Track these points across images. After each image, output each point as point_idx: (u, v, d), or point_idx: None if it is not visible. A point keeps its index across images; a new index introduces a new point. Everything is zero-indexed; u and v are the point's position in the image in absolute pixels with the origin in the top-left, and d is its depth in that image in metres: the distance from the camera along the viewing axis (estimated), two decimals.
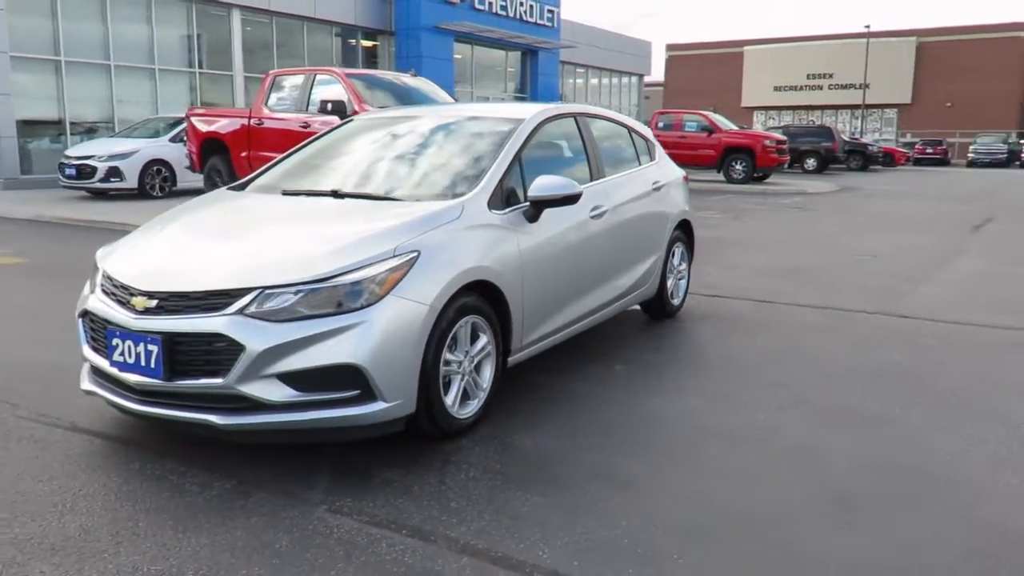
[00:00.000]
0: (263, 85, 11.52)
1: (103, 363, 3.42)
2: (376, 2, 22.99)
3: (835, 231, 12.03)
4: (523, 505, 3.05)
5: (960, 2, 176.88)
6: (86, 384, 3.60)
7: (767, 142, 21.19)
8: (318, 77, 10.75)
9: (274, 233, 3.70)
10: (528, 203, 4.10)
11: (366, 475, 3.31)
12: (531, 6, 26.89)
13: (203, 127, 12.10)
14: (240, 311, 3.15)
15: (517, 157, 4.22)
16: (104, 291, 3.51)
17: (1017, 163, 42.22)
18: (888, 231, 11.95)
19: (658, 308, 5.83)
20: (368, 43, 23.65)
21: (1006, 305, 6.69)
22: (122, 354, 3.29)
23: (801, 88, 61.46)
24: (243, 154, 11.42)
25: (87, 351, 3.57)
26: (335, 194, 4.12)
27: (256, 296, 3.16)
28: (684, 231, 6.10)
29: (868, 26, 48.86)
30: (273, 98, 11.21)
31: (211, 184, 12.19)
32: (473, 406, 3.72)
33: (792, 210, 15.32)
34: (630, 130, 5.72)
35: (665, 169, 5.96)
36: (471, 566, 2.63)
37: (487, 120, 4.63)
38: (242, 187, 4.64)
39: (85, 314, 3.58)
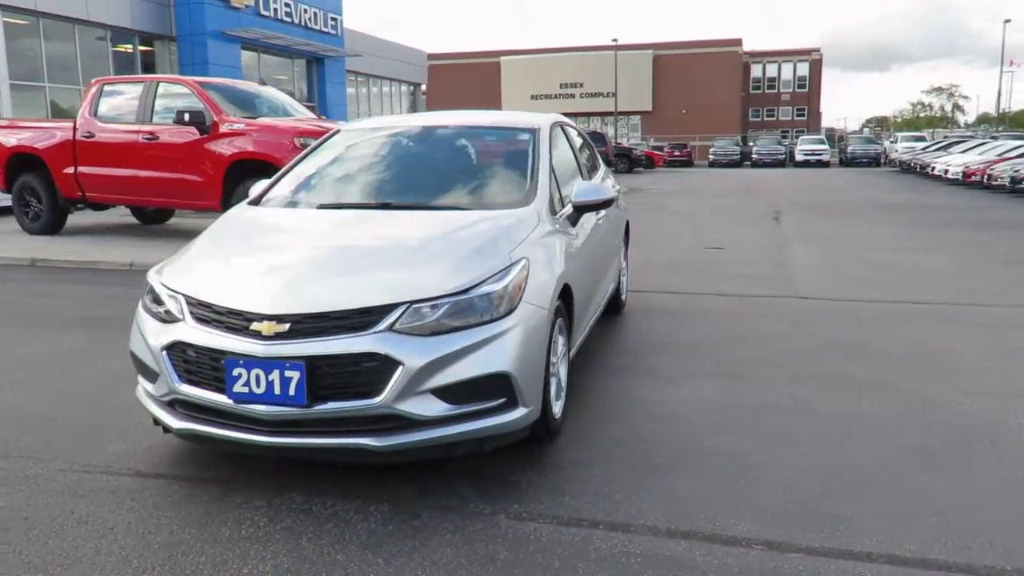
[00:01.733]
0: (88, 94, 10.41)
1: (215, 397, 3.13)
2: (154, 6, 21.34)
3: (666, 228, 13.10)
4: (673, 485, 3.24)
5: (688, 18, 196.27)
6: (179, 423, 3.26)
7: None
8: (162, 86, 9.93)
9: (374, 248, 3.57)
10: (572, 208, 4.28)
11: (506, 481, 3.34)
12: (315, 13, 26.28)
13: (9, 141, 10.70)
14: (390, 328, 3.05)
15: (550, 164, 4.37)
16: (201, 319, 3.21)
17: (747, 163, 47.72)
18: (708, 226, 13.23)
19: (614, 304, 6.18)
20: (145, 48, 21.89)
21: (867, 283, 7.81)
22: (246, 385, 3.05)
23: (556, 96, 65.15)
24: (68, 171, 10.26)
25: (184, 388, 3.22)
26: (387, 206, 4.04)
27: (404, 311, 3.08)
28: (626, 231, 6.53)
29: (615, 39, 52.87)
30: (103, 108, 10.18)
31: (23, 205, 10.84)
32: (560, 407, 3.84)
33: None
34: (585, 138, 6.02)
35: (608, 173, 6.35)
36: (698, 548, 2.80)
37: (498, 129, 4.73)
38: (256, 203, 4.36)
39: (173, 347, 3.24)
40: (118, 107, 10.12)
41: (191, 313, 3.24)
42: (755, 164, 46.84)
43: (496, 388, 3.18)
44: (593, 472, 3.41)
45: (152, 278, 3.57)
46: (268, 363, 3.01)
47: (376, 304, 3.09)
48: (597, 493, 3.21)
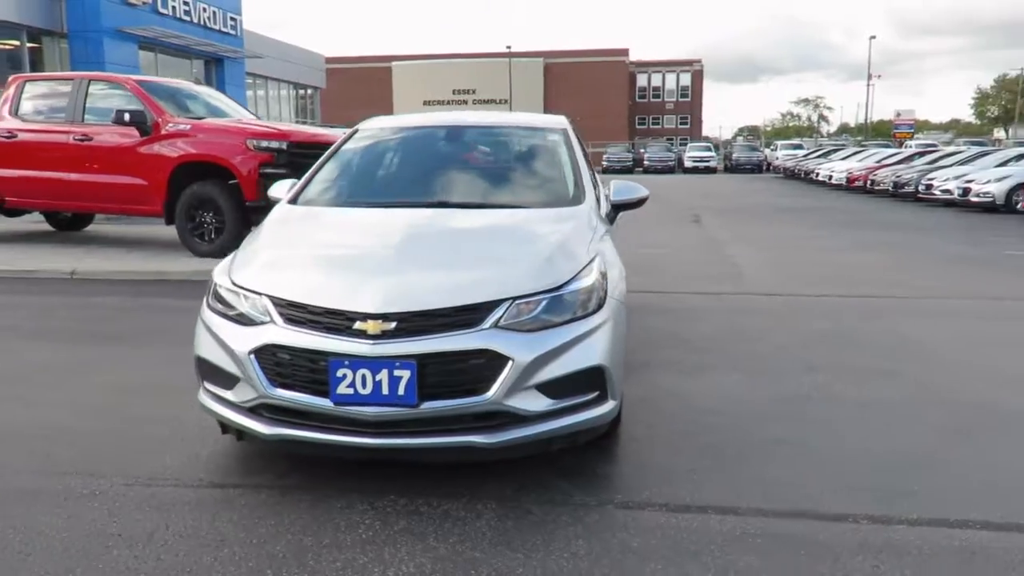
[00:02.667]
0: (7, 92, 9.72)
1: (313, 400, 3.05)
2: (44, 0, 20.04)
3: None
4: (756, 471, 3.39)
5: (577, 28, 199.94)
6: (271, 429, 3.14)
7: None
8: (95, 84, 9.39)
9: (457, 245, 3.57)
10: (611, 206, 4.38)
11: (593, 474, 3.41)
12: (214, 12, 25.30)
13: None
14: (495, 324, 3.06)
15: (588, 162, 4.47)
16: (294, 320, 3.11)
17: (639, 169, 49.21)
18: (636, 229, 13.56)
19: None
20: (33, 45, 20.52)
21: (818, 280, 8.28)
22: (351, 386, 2.98)
23: (449, 102, 65.13)
24: None
25: (277, 392, 3.11)
26: (444, 205, 4.03)
27: (508, 308, 3.10)
28: None
29: (509, 47, 53.54)
30: (26, 107, 9.54)
31: None
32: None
33: None
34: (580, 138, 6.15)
35: None
36: (811, 526, 2.95)
37: (526, 129, 4.81)
38: (294, 202, 4.24)
39: (263, 350, 3.12)
40: (43, 106, 9.51)
41: (282, 314, 3.14)
42: (646, 170, 48.36)
43: (592, 382, 3.24)
44: (673, 462, 3.52)
45: (221, 279, 3.43)
46: (376, 363, 2.97)
47: (482, 301, 3.09)
48: (688, 481, 3.32)
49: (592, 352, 3.21)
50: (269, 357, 3.11)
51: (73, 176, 9.20)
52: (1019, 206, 17.12)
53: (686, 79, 72.62)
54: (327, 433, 3.08)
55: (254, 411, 3.19)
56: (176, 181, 8.82)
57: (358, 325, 3.02)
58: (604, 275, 3.45)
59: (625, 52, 67.75)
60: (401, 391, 2.97)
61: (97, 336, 5.89)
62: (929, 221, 15.48)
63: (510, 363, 3.02)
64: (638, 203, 4.54)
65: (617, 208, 4.44)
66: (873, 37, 63.60)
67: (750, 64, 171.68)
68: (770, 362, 5.11)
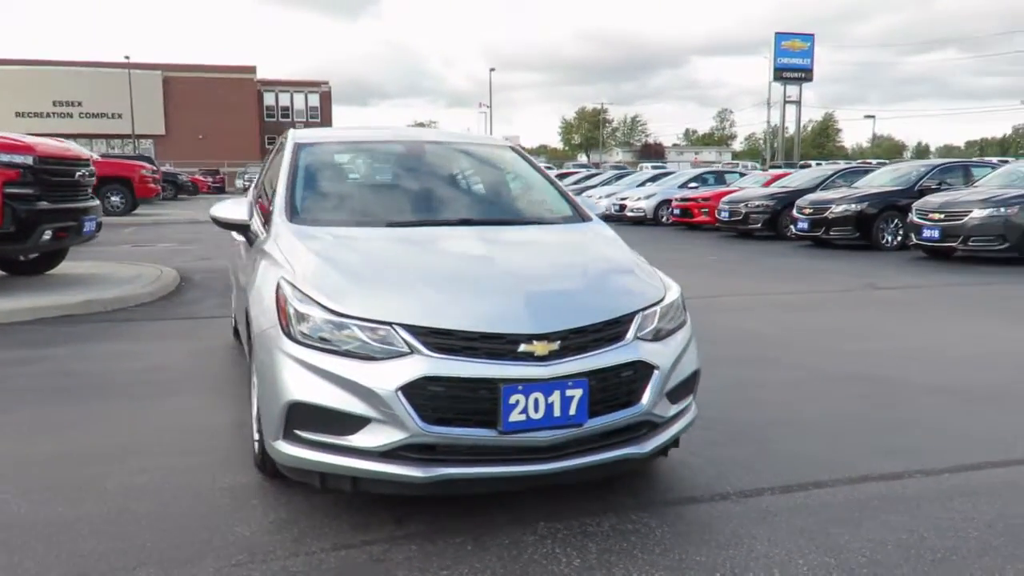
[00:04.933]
0: None
1: (477, 432, 2.82)
2: None
3: None
4: (804, 448, 3.85)
5: (200, 41, 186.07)
6: (430, 472, 2.81)
7: (144, 171, 20.39)
8: None
9: (544, 260, 3.53)
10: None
11: (671, 469, 3.57)
12: None
13: None
14: (635, 336, 3.13)
15: None
16: (443, 348, 2.83)
17: None
18: None
19: None
20: None
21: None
22: (523, 412, 2.83)
23: (49, 115, 57.42)
24: None
25: (434, 429, 2.79)
26: (467, 222, 3.89)
27: (639, 319, 3.18)
28: None
29: (128, 56, 48.88)
30: None
31: None
32: None
33: None
34: None
35: None
36: (888, 485, 3.45)
37: (479, 145, 4.82)
38: (293, 222, 3.75)
39: (412, 384, 2.79)
40: None
41: (427, 344, 2.85)
42: None
43: (692, 385, 3.44)
44: (737, 448, 3.81)
45: (313, 312, 2.97)
46: (549, 385, 2.86)
47: (623, 314, 3.13)
48: (771, 461, 3.65)
49: (694, 356, 3.41)
50: (419, 391, 2.81)
51: None
52: (664, 219, 20.24)
53: (315, 100, 72.48)
54: (496, 465, 2.88)
55: (392, 455, 2.85)
56: None
57: (523, 348, 2.88)
58: None
59: (252, 70, 65.71)
60: (572, 411, 2.90)
61: (52, 392, 4.51)
62: None
63: (656, 372, 3.11)
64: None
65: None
66: (493, 70, 69.85)
67: (360, 88, 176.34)
68: (763, 355, 5.64)
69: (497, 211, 4.22)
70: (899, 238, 13.71)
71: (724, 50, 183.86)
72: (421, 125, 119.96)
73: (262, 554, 2.81)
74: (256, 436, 3.53)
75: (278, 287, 3.19)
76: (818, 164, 31.70)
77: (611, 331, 3.07)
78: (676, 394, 3.27)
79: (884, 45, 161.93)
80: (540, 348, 2.89)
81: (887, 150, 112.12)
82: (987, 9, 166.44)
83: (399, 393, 2.79)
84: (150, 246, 13.35)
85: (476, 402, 2.82)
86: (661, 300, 3.32)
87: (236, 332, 6.06)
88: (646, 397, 3.08)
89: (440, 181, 4.44)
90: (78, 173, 8.02)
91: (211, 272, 10.02)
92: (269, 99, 70.82)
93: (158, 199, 22.99)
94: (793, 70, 51.11)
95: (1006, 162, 15.40)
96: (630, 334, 3.11)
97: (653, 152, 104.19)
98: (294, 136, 4.53)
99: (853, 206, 13.79)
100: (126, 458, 3.70)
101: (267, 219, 4.01)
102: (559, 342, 2.92)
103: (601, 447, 3.03)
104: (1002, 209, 11.21)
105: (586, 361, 2.95)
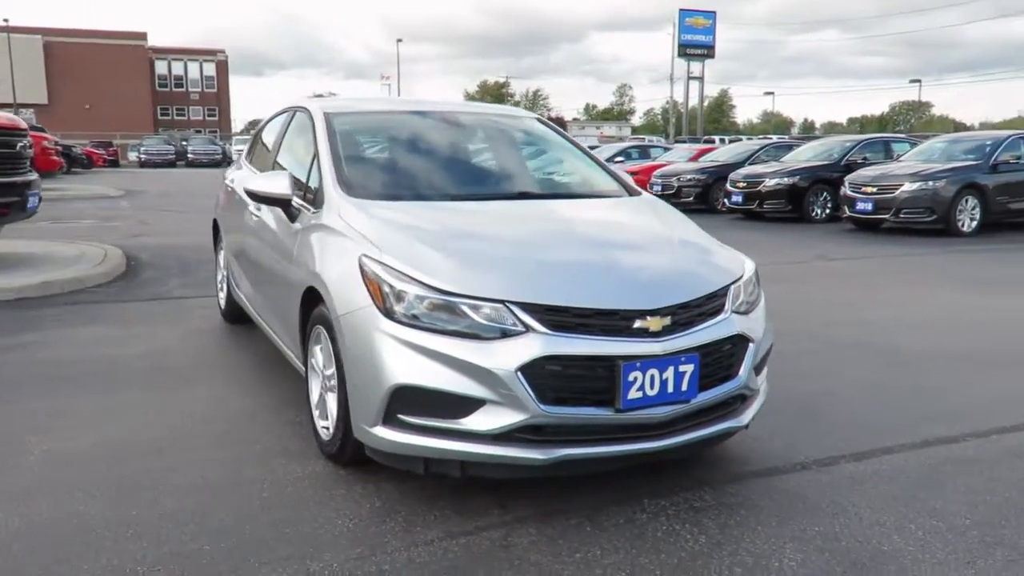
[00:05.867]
0: None
1: (593, 412, 2.76)
2: None
3: None
4: (847, 419, 3.95)
5: (86, 4, 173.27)
6: (551, 453, 2.73)
7: (46, 143, 19.10)
8: None
9: (628, 233, 3.47)
10: None
11: (736, 448, 3.62)
12: None
13: None
14: (732, 309, 3.14)
15: None
16: (560, 326, 2.75)
17: (182, 163, 46.07)
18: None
19: None
20: None
21: None
22: (640, 389, 2.79)
23: None
24: None
25: (554, 410, 2.72)
26: (526, 195, 3.80)
27: (732, 294, 3.18)
28: None
29: (7, 20, 45.46)
30: None
31: None
32: None
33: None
34: None
35: None
36: (946, 448, 3.60)
37: (505, 116, 4.71)
38: (350, 193, 3.56)
39: (532, 364, 2.70)
40: None
41: (544, 321, 2.77)
42: (190, 164, 45.60)
43: (767, 358, 3.48)
44: (792, 419, 3.87)
45: (414, 290, 2.82)
46: (664, 361, 2.83)
47: (720, 287, 3.14)
48: (831, 430, 3.73)
49: (771, 329, 3.44)
50: (538, 371, 2.73)
51: None
52: None
53: (210, 69, 69.53)
54: (611, 444, 2.84)
55: (506, 437, 2.77)
56: None
57: (638, 324, 2.84)
58: None
59: (143, 36, 62.38)
60: (684, 386, 2.89)
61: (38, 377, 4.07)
62: None
63: (751, 345, 3.13)
64: None
65: None
66: (400, 40, 67.85)
67: (253, 58, 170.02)
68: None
69: (550, 184, 4.15)
70: (827, 211, 14.29)
71: (621, 26, 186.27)
72: (319, 96, 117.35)
73: (379, 545, 2.68)
74: (324, 423, 3.37)
75: (362, 265, 3.03)
76: (721, 140, 32.70)
77: (712, 305, 3.07)
78: (760, 367, 3.30)
79: (772, 24, 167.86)
80: (654, 324, 2.85)
81: (776, 126, 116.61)
82: None
83: (519, 373, 2.70)
84: (71, 223, 12.52)
85: (593, 380, 2.77)
86: (743, 274, 3.34)
87: (226, 314, 5.78)
88: (743, 370, 3.10)
89: (485, 153, 4.33)
90: (19, 144, 7.42)
91: (150, 249, 9.51)
92: (161, 68, 67.58)
93: (61, 172, 21.55)
94: (696, 47, 52.19)
95: (926, 137, 16.18)
96: (728, 307, 3.11)
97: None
98: (320, 106, 4.29)
99: (786, 180, 14.26)
100: (174, 451, 3.47)
101: (308, 193, 3.81)
102: (669, 317, 2.90)
103: (706, 422, 3.03)
104: (930, 183, 11.82)
105: (696, 336, 2.94)
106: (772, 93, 77.05)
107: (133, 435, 3.67)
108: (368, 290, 2.95)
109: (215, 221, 5.90)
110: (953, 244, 11.02)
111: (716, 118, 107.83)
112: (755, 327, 3.19)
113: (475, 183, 4.01)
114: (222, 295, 5.84)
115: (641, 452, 2.87)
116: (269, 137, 5.04)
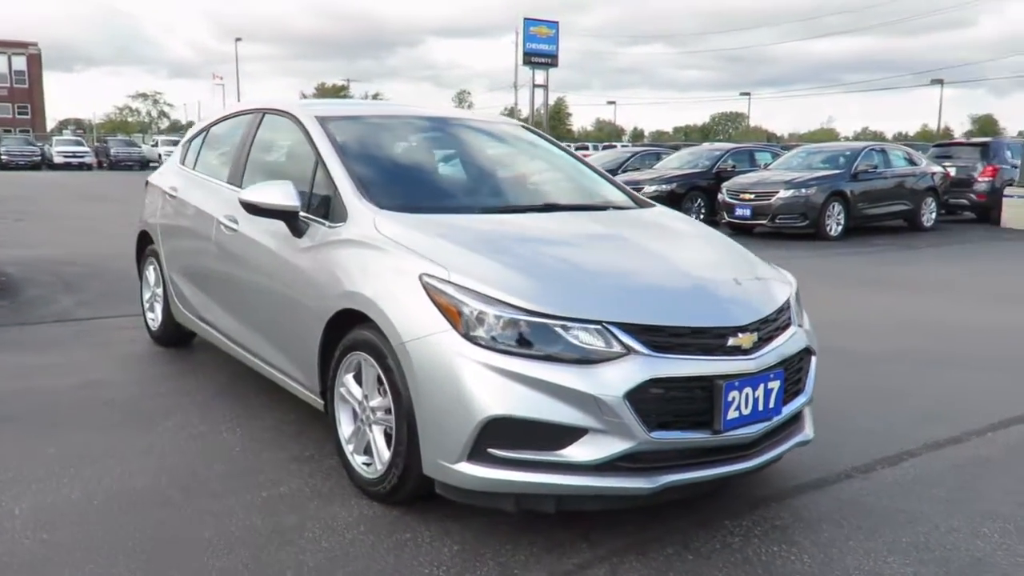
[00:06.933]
0: None
1: (691, 435, 2.65)
2: None
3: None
4: (882, 425, 4.05)
5: None
6: (657, 480, 2.59)
7: None
8: None
9: (677, 251, 3.32)
10: None
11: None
12: None
13: None
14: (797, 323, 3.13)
15: None
16: (659, 347, 2.61)
17: (46, 165, 42.11)
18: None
19: None
20: None
21: None
22: (737, 408, 2.72)
23: None
24: None
25: (658, 435, 2.57)
26: (552, 208, 3.64)
27: (793, 307, 3.17)
28: None
29: None
30: None
31: None
32: None
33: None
34: None
35: None
36: (976, 443, 3.76)
37: (496, 124, 4.53)
38: (379, 205, 3.24)
39: (637, 389, 2.54)
40: None
41: (643, 341, 2.62)
42: (5, 167, 41.57)
43: None
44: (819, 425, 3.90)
45: (500, 312, 2.59)
46: (757, 379, 2.77)
47: (784, 300, 3.12)
48: (859, 436, 3.78)
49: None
50: (642, 395, 2.58)
51: None
52: None
53: (20, 63, 63.61)
54: (710, 467, 2.73)
55: (607, 467, 2.60)
56: None
57: (731, 341, 2.75)
58: None
59: None
60: (772, 403, 2.84)
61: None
62: None
63: (813, 357, 3.13)
64: None
65: None
66: (239, 39, 63.55)
67: (64, 52, 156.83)
68: None
69: (565, 195, 3.99)
70: (702, 216, 14.90)
71: (458, 33, 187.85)
72: (143, 96, 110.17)
73: None
74: (363, 460, 3.07)
75: (426, 285, 2.76)
76: (595, 147, 33.51)
77: (782, 319, 3.04)
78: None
79: (604, 36, 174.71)
80: (746, 340, 2.78)
81: (608, 134, 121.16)
82: (689, 9, 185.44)
83: (625, 400, 2.54)
84: None
85: (691, 402, 2.66)
86: (792, 286, 3.34)
87: (159, 337, 5.20)
88: (809, 383, 3.10)
89: (497, 163, 4.10)
90: None
91: (16, 263, 8.43)
92: None
93: None
94: (540, 55, 53.26)
95: (788, 148, 17.22)
96: (794, 321, 3.10)
97: None
98: (308, 109, 3.91)
99: (664, 186, 14.74)
100: (186, 500, 3.04)
101: (313, 205, 3.46)
102: (757, 334, 2.83)
103: (783, 438, 3.00)
104: (803, 190, 12.59)
105: (779, 351, 2.90)
106: (614, 103, 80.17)
107: (124, 484, 3.18)
108: (443, 313, 2.69)
109: (143, 233, 5.28)
110: (824, 247, 11.76)
111: (554, 125, 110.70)
112: (813, 339, 3.20)
113: (498, 194, 3.79)
114: (152, 315, 5.24)
115: (734, 473, 2.79)
116: (226, 143, 4.55)
